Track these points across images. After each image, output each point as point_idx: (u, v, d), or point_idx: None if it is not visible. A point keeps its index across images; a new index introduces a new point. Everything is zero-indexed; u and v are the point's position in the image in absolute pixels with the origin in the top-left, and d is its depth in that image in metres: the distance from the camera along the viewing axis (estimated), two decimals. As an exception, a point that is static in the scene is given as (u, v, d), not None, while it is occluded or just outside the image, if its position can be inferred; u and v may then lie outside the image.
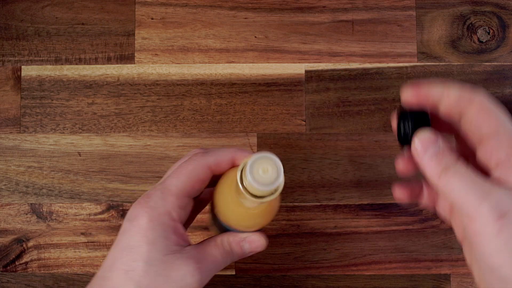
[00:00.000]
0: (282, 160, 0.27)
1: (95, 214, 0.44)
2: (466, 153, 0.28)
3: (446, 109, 0.28)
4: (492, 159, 0.25)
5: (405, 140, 0.28)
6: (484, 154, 0.26)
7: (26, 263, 0.43)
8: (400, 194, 0.31)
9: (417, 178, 0.31)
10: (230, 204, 0.29)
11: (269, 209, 0.30)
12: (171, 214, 0.29)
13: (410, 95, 0.28)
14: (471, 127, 0.27)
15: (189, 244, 0.30)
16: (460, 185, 0.24)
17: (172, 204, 0.29)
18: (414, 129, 0.27)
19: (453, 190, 0.25)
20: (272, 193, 0.26)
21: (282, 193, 0.27)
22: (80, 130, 0.44)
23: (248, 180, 0.25)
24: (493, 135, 0.25)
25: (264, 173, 0.25)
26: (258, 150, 0.44)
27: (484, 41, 0.45)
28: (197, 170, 0.30)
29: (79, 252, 0.43)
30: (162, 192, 0.29)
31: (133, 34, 0.45)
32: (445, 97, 0.27)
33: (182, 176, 0.30)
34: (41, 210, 0.44)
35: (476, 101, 0.26)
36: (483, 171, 0.26)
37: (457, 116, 0.27)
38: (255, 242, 0.31)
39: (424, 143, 0.26)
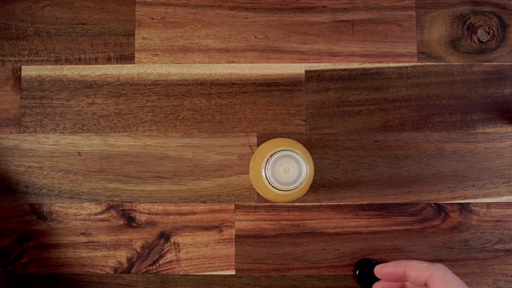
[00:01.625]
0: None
1: (95, 214, 0.44)
2: None
3: (414, 281, 0.35)
4: None
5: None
6: None
7: (26, 263, 0.43)
8: None
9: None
10: (260, 183, 0.29)
11: (294, 195, 0.30)
12: None
13: (381, 272, 0.37)
14: None
15: None
16: None
17: None
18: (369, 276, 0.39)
19: None
20: (293, 184, 0.26)
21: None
22: (80, 130, 0.44)
23: (269, 177, 0.25)
24: None
25: (285, 172, 0.25)
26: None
27: (484, 41, 0.45)
28: None
29: (79, 252, 0.43)
30: None
31: (133, 34, 0.45)
32: (410, 273, 0.35)
33: None
34: (41, 210, 0.44)
35: (436, 273, 0.33)
36: None
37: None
38: None
39: None
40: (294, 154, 0.26)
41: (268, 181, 0.26)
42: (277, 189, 0.26)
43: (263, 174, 0.26)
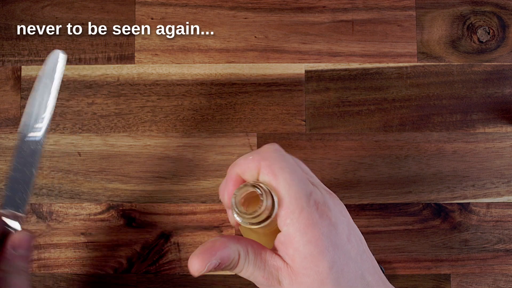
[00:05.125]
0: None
1: (95, 214, 0.44)
2: None
3: (250, 179, 0.27)
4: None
5: None
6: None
7: (26, 263, 0.43)
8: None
9: None
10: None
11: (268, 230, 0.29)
12: None
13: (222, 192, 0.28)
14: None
15: None
16: (254, 276, 0.25)
17: None
18: None
19: (250, 279, 0.26)
20: (260, 222, 0.25)
21: None
22: (80, 130, 0.44)
23: (234, 215, 0.24)
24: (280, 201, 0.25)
25: (247, 210, 0.25)
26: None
27: (484, 41, 0.45)
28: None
29: (79, 252, 0.43)
30: None
31: (133, 34, 0.45)
32: (242, 171, 0.27)
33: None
34: (41, 210, 0.44)
35: (263, 164, 0.25)
36: None
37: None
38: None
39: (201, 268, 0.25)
40: (254, 188, 0.25)
41: (237, 214, 0.25)
42: (243, 219, 0.25)
43: (233, 211, 0.25)
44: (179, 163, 0.44)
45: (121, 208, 0.44)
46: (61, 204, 0.44)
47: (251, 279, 0.25)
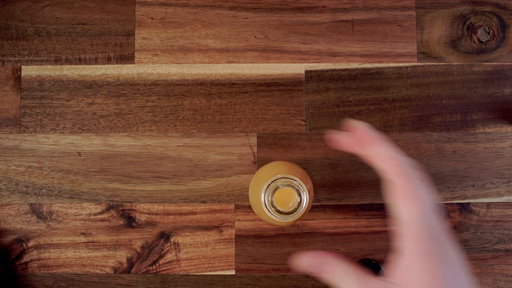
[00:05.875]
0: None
1: (95, 214, 0.44)
2: None
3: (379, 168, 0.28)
4: (398, 245, 0.26)
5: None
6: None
7: (26, 263, 0.43)
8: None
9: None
10: (259, 206, 0.29)
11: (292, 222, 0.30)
12: None
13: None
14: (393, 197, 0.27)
15: None
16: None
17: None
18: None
19: None
20: (292, 213, 0.26)
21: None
22: (80, 130, 0.44)
23: (268, 205, 0.25)
24: (403, 224, 0.26)
25: (284, 202, 0.26)
26: (258, 150, 0.44)
27: (484, 41, 0.45)
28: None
29: (79, 252, 0.43)
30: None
31: (133, 34, 0.45)
32: (378, 159, 0.28)
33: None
34: (41, 210, 0.44)
35: (402, 179, 0.26)
36: None
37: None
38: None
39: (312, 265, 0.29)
40: (294, 182, 0.26)
41: (267, 208, 0.26)
42: (275, 216, 0.26)
43: (262, 200, 0.26)
44: (179, 163, 0.44)
45: (121, 208, 0.44)
46: (61, 204, 0.44)
47: None
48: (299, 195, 0.26)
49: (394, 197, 0.26)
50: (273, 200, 0.26)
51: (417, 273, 0.24)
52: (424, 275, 0.24)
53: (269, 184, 0.26)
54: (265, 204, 0.26)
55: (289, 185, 0.26)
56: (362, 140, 0.29)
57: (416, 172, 0.27)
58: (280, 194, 0.26)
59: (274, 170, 0.31)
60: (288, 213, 0.26)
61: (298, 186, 0.26)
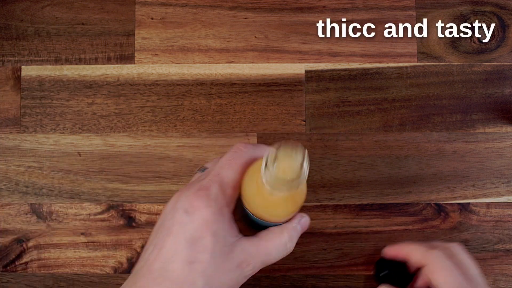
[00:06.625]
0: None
1: (95, 214, 0.44)
2: None
3: (415, 263, 0.36)
4: None
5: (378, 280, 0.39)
6: None
7: (26, 263, 0.43)
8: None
9: None
10: (259, 196, 0.29)
11: (297, 196, 0.31)
12: (230, 206, 0.30)
13: (390, 252, 0.39)
14: (433, 280, 0.33)
15: (240, 234, 0.30)
16: None
17: (231, 196, 0.30)
18: (389, 275, 0.38)
19: None
20: (298, 177, 0.26)
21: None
22: (80, 130, 0.44)
23: (275, 165, 0.25)
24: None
25: (290, 157, 0.26)
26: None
27: (484, 41, 0.45)
28: (248, 162, 0.30)
29: (79, 252, 0.43)
30: (220, 185, 0.29)
31: (133, 34, 0.45)
32: (412, 253, 0.36)
33: (237, 169, 0.30)
34: (41, 210, 0.44)
35: (431, 258, 0.34)
36: None
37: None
38: (307, 222, 0.33)
39: None
40: (293, 142, 0.26)
41: (274, 176, 0.26)
42: (279, 189, 0.26)
43: (265, 169, 0.26)
44: (179, 163, 0.44)
45: (121, 208, 0.44)
46: (61, 204, 0.44)
47: None
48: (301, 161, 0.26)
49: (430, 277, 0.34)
50: (279, 156, 0.26)
51: None
52: None
53: (267, 158, 0.26)
54: (267, 181, 0.26)
55: (290, 143, 0.26)
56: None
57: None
58: (280, 164, 0.26)
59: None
60: (292, 181, 0.26)
61: (295, 150, 0.26)
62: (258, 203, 0.30)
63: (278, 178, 0.26)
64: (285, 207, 0.31)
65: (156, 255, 0.28)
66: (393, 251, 0.38)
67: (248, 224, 0.34)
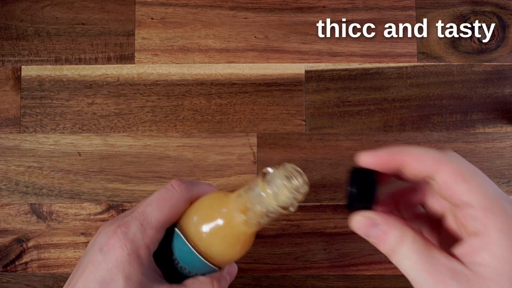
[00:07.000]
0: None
1: (95, 214, 0.44)
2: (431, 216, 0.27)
3: (412, 173, 0.25)
4: (466, 229, 0.23)
5: (351, 208, 0.26)
6: (456, 222, 0.24)
7: (26, 263, 0.43)
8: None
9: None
10: (223, 229, 0.27)
11: (251, 238, 0.29)
12: (150, 248, 0.27)
13: (368, 161, 0.26)
14: (443, 192, 0.24)
15: (163, 280, 0.28)
16: (410, 267, 0.23)
17: (152, 238, 0.27)
18: (359, 200, 0.26)
19: (405, 270, 0.24)
20: (306, 194, 0.26)
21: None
22: (80, 130, 0.44)
23: (279, 185, 0.24)
24: (470, 205, 0.22)
25: (291, 180, 0.25)
26: (258, 150, 0.44)
27: (484, 41, 0.45)
28: (180, 203, 0.28)
29: (79, 252, 0.43)
30: (142, 224, 0.27)
31: (133, 34, 0.45)
32: (411, 160, 0.24)
33: (165, 209, 0.28)
34: (41, 210, 0.44)
35: (447, 165, 0.23)
36: (449, 234, 0.25)
37: (424, 180, 0.25)
38: (234, 272, 0.31)
39: (363, 228, 0.25)
40: (289, 164, 0.26)
41: (272, 199, 0.25)
42: (282, 207, 0.26)
43: (265, 192, 0.25)
44: (179, 163, 0.44)
45: (121, 208, 0.44)
46: (61, 204, 0.44)
47: (407, 270, 0.23)
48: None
49: (450, 184, 0.23)
50: (283, 178, 0.25)
51: (499, 250, 0.21)
52: (506, 251, 0.21)
53: (266, 176, 0.25)
54: (264, 202, 0.26)
55: (288, 165, 0.26)
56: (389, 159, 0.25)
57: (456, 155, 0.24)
58: (284, 173, 0.25)
59: (219, 197, 0.29)
60: (301, 198, 0.25)
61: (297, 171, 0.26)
62: (217, 237, 0.28)
63: (286, 197, 0.25)
64: (243, 246, 0.29)
65: None
66: (380, 157, 0.26)
67: (167, 271, 0.29)
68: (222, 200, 0.28)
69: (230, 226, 0.27)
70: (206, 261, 0.28)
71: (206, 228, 0.28)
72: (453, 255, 0.23)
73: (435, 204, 0.27)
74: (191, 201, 0.29)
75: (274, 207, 0.26)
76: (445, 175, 0.23)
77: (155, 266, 0.28)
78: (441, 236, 0.27)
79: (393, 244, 0.24)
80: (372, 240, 0.25)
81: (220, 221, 0.27)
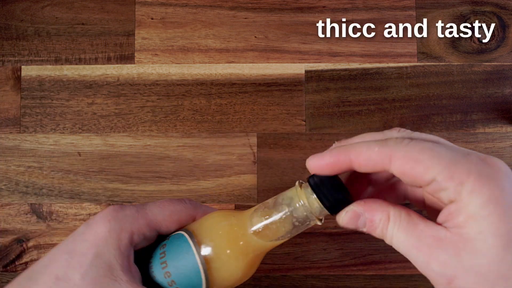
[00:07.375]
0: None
1: (95, 214, 0.44)
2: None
3: (365, 171, 0.24)
4: (442, 201, 0.22)
5: (334, 212, 0.25)
6: (433, 199, 0.24)
7: (26, 263, 0.43)
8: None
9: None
10: (231, 254, 0.26)
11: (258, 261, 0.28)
12: (133, 236, 0.26)
13: (317, 169, 0.24)
14: (406, 180, 0.23)
15: (134, 279, 0.25)
16: (401, 246, 0.23)
17: (139, 227, 0.26)
18: (336, 203, 0.25)
19: (398, 250, 0.23)
20: (322, 215, 0.25)
21: None
22: (80, 130, 0.44)
23: (312, 196, 0.24)
24: (434, 180, 0.22)
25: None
26: (258, 150, 0.44)
27: (484, 41, 0.45)
28: (183, 214, 0.28)
29: (79, 252, 0.43)
30: (137, 212, 0.26)
31: (133, 34, 0.45)
32: (358, 160, 0.23)
33: (166, 211, 0.27)
34: (41, 210, 0.44)
35: (395, 154, 0.22)
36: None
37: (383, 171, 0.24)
38: None
39: (350, 223, 0.25)
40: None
41: (312, 211, 0.24)
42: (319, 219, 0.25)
43: (306, 205, 0.24)
44: (179, 163, 0.44)
45: (121, 208, 0.44)
46: (61, 204, 0.44)
47: (401, 249, 0.23)
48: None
49: (406, 171, 0.22)
50: (316, 202, 0.25)
51: (475, 210, 0.20)
52: (481, 209, 0.20)
53: (301, 191, 0.25)
54: (296, 214, 0.25)
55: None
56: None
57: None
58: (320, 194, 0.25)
59: (225, 215, 0.28)
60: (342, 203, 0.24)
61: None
62: (236, 259, 0.26)
63: (315, 209, 0.24)
64: (252, 269, 0.28)
65: (37, 261, 0.25)
66: (326, 159, 0.24)
67: (147, 278, 0.27)
68: (244, 222, 0.28)
69: (253, 248, 0.27)
70: (204, 283, 0.26)
71: (225, 251, 0.26)
72: (437, 223, 0.22)
73: (409, 191, 0.27)
74: (194, 218, 0.28)
75: (316, 212, 0.25)
76: (397, 165, 0.22)
77: (134, 265, 0.26)
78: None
79: (381, 227, 0.24)
80: (364, 230, 0.25)
81: (242, 244, 0.27)
